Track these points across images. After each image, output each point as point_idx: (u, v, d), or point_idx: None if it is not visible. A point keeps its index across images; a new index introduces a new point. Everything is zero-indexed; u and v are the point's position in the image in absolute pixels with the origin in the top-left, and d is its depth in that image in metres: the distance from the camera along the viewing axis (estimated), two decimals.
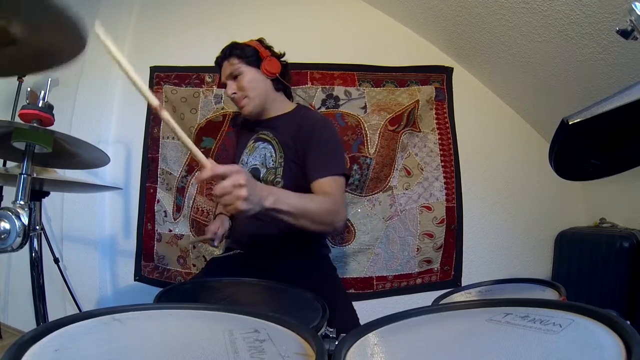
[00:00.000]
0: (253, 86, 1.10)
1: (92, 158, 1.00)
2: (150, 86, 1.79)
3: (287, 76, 1.18)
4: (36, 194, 0.97)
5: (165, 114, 0.65)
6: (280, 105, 1.17)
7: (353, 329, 0.49)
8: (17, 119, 0.87)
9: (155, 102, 0.64)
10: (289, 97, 1.24)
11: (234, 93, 1.11)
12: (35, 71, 0.84)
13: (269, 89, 1.14)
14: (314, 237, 1.15)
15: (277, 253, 1.09)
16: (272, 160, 1.10)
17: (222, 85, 1.20)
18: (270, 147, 1.11)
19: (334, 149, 1.07)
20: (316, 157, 1.03)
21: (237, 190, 0.68)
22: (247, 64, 1.11)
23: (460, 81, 1.77)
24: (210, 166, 0.68)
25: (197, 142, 1.70)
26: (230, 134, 1.69)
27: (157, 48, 1.85)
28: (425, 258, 1.66)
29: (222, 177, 0.68)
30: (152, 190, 1.75)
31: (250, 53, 1.12)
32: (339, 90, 1.71)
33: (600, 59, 1.27)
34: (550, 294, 0.78)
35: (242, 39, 1.35)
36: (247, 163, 1.15)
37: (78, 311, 1.40)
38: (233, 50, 1.12)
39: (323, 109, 1.69)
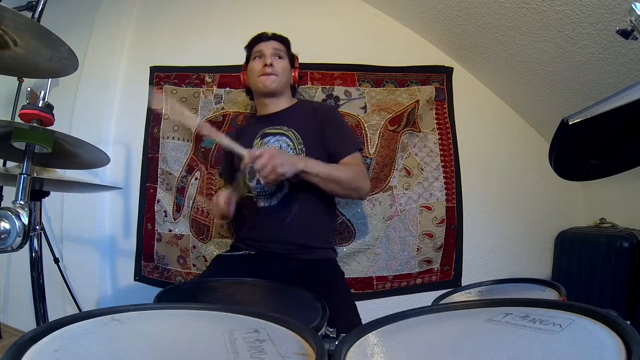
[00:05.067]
0: (285, 72, 1.27)
1: (92, 158, 1.00)
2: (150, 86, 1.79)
3: (299, 79, 1.38)
4: (36, 194, 0.97)
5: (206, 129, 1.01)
6: (286, 100, 1.31)
7: (353, 329, 0.49)
8: (17, 119, 0.87)
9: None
10: (294, 94, 1.38)
11: (271, 65, 1.22)
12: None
13: (290, 82, 1.32)
14: (323, 241, 1.22)
15: (286, 256, 1.13)
16: (291, 148, 1.19)
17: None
18: (285, 137, 1.21)
19: (349, 129, 1.33)
20: (338, 137, 1.21)
21: (272, 162, 0.91)
22: (286, 54, 1.29)
23: (460, 81, 1.76)
24: (248, 153, 0.94)
25: (198, 141, 1.70)
26: (230, 134, 1.68)
27: (157, 48, 1.85)
28: (425, 258, 1.66)
29: (259, 157, 0.91)
30: (152, 190, 1.75)
31: (289, 48, 1.32)
32: (339, 90, 1.71)
33: (600, 59, 1.27)
34: (550, 294, 0.79)
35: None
36: None
37: (78, 311, 1.40)
38: (279, 38, 1.30)
39: None
